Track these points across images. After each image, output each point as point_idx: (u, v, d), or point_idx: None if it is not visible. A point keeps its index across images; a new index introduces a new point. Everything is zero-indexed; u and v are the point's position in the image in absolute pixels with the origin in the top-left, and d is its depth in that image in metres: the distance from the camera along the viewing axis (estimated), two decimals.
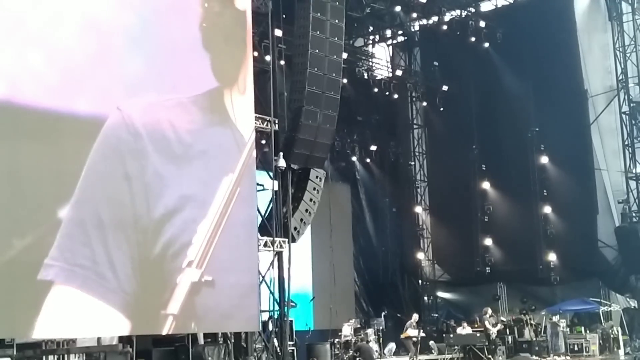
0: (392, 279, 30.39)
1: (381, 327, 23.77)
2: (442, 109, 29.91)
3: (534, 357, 22.80)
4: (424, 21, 29.96)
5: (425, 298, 30.78)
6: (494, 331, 22.30)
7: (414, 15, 29.16)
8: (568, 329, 24.19)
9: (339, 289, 26.65)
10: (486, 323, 22.44)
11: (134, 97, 14.02)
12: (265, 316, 17.60)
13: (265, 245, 17.11)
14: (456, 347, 22.46)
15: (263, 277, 17.18)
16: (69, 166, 12.89)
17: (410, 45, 31.64)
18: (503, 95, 28.23)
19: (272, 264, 17.47)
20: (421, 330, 22.93)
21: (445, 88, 29.59)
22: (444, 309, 30.32)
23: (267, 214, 17.66)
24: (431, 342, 24.62)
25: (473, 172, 29.57)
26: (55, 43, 12.85)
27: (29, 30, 12.50)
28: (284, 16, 18.61)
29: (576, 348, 23.11)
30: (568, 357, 22.84)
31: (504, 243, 28.58)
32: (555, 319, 24.21)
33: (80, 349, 13.47)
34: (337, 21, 18.15)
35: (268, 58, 18.72)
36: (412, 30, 31.06)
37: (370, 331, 22.64)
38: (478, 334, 22.28)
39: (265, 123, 17.42)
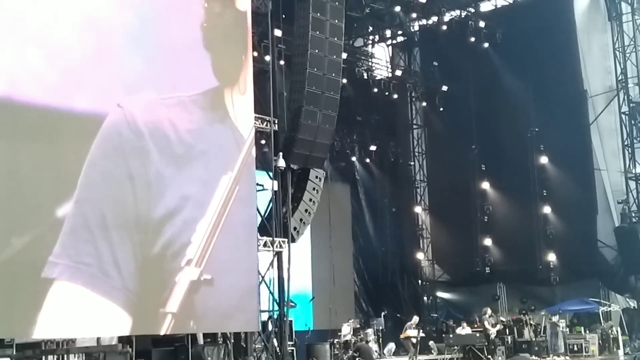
0: (392, 279, 30.38)
1: (381, 327, 23.76)
2: (441, 109, 29.92)
3: (533, 357, 22.79)
4: (424, 21, 29.98)
5: (425, 298, 30.77)
6: (493, 331, 22.30)
7: (414, 15, 29.15)
8: (567, 329, 24.19)
9: (338, 289, 26.66)
10: (486, 323, 22.44)
11: (134, 95, 14.02)
12: (264, 316, 17.60)
13: (264, 245, 17.10)
14: (456, 347, 22.47)
15: (263, 277, 17.18)
16: (69, 164, 12.90)
17: (409, 45, 31.64)
18: (503, 95, 28.23)
19: (271, 264, 17.47)
20: (421, 331, 22.93)
21: (444, 88, 29.60)
22: (444, 309, 30.29)
23: (266, 214, 17.66)
24: (431, 342, 24.62)
25: (473, 172, 29.56)
26: (55, 42, 12.86)
27: (28, 29, 12.51)
28: (283, 16, 18.61)
29: (576, 348, 23.10)
30: (567, 357, 22.82)
31: (503, 243, 28.57)
32: (555, 319, 24.19)
33: (79, 349, 13.45)
34: (336, 21, 18.14)
35: (268, 58, 18.72)
36: (412, 30, 31.04)
37: (369, 331, 22.64)
38: (477, 334, 22.28)
39: (265, 123, 17.41)
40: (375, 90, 28.75)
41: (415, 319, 23.18)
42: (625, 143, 25.79)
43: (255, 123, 16.77)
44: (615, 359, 22.79)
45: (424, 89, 30.52)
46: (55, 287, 12.22)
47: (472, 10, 27.95)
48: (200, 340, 15.76)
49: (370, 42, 30.06)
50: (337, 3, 18.14)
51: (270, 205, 17.62)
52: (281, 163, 17.55)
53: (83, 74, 13.15)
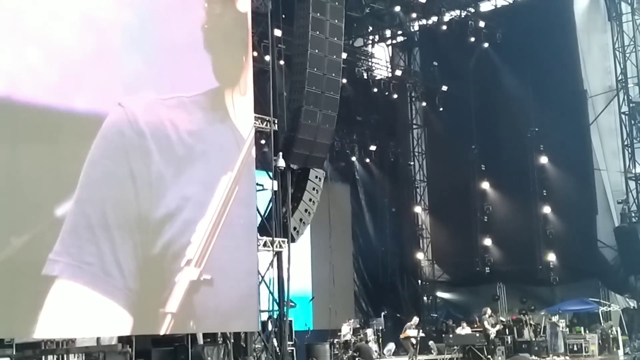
0: (392, 279, 30.37)
1: (380, 327, 23.77)
2: (441, 109, 29.91)
3: (533, 357, 22.80)
4: (424, 21, 29.99)
5: (425, 298, 30.77)
6: (493, 331, 22.31)
7: (414, 15, 29.17)
8: (567, 329, 24.18)
9: (338, 289, 26.66)
10: (485, 323, 22.45)
11: (134, 95, 14.02)
12: (264, 316, 17.58)
13: (264, 245, 17.09)
14: (455, 347, 22.49)
15: (262, 277, 17.17)
16: (68, 164, 12.88)
17: (409, 45, 31.65)
18: (502, 95, 28.24)
19: (271, 264, 17.46)
20: (420, 331, 22.93)
21: (444, 88, 29.60)
22: (444, 309, 30.30)
23: (266, 214, 17.66)
24: (430, 342, 24.63)
25: (472, 172, 29.57)
26: (55, 41, 12.85)
27: (28, 29, 12.50)
28: (283, 16, 18.60)
29: (575, 348, 23.10)
30: (567, 357, 22.82)
31: (503, 243, 28.58)
32: (555, 319, 24.19)
33: (79, 348, 13.44)
34: (336, 21, 18.13)
35: (267, 58, 18.71)
36: (412, 30, 31.05)
37: (369, 331, 22.66)
38: (477, 334, 22.30)
39: (265, 123, 17.40)
40: (375, 90, 28.75)
41: (415, 319, 23.18)
42: (625, 143, 25.78)
43: (255, 123, 16.76)
44: (615, 359, 22.79)
45: (423, 89, 30.51)
46: (56, 285, 12.21)
47: (472, 10, 27.96)
48: (200, 340, 15.75)
49: (370, 42, 30.06)
50: (337, 3, 18.13)
51: (270, 205, 17.61)
52: (281, 163, 17.54)
53: (83, 74, 13.14)
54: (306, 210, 18.85)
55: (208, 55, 15.54)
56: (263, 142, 18.44)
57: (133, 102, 13.91)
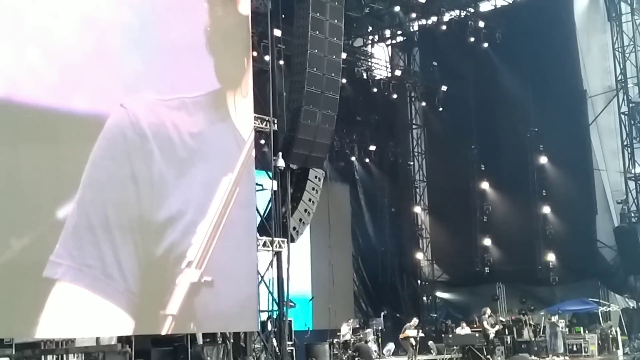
0: (391, 279, 30.37)
1: (380, 327, 23.78)
2: (441, 109, 29.94)
3: (532, 357, 22.76)
4: (423, 21, 30.00)
5: (424, 298, 30.77)
6: (492, 331, 22.28)
7: (413, 15, 29.21)
8: (567, 329, 24.16)
9: (338, 289, 26.66)
10: (485, 323, 22.42)
11: (134, 95, 14.00)
12: (264, 316, 17.58)
13: (264, 245, 17.09)
14: (455, 347, 22.48)
15: (262, 277, 17.17)
16: (68, 165, 12.87)
17: (409, 45, 31.65)
18: (502, 95, 28.25)
19: (271, 264, 17.46)
20: (420, 331, 22.92)
21: (444, 88, 29.63)
22: (443, 309, 30.31)
23: (266, 214, 17.65)
24: (430, 342, 24.63)
25: (472, 172, 29.58)
26: (55, 41, 12.84)
27: (28, 29, 12.49)
28: (283, 16, 18.62)
29: (575, 348, 23.09)
30: (567, 358, 22.80)
31: (503, 243, 28.59)
32: (554, 319, 24.18)
33: (79, 348, 13.45)
34: (336, 21, 18.14)
35: (267, 58, 18.71)
36: (411, 30, 31.05)
37: (369, 331, 22.67)
38: (477, 334, 22.27)
39: (265, 123, 17.39)
40: (375, 90, 28.76)
41: (415, 320, 23.10)
42: (625, 143, 25.78)
43: (254, 123, 16.76)
44: (615, 359, 22.79)
45: (423, 89, 30.52)
46: (57, 288, 12.20)
47: (472, 10, 27.99)
48: (200, 340, 15.75)
49: (369, 42, 30.07)
50: (336, 3, 18.13)
51: (270, 205, 17.61)
52: (280, 163, 17.54)
53: (83, 74, 13.14)
54: (306, 210, 18.85)
55: (209, 57, 15.56)
56: (263, 142, 18.43)
57: (135, 103, 13.91)
